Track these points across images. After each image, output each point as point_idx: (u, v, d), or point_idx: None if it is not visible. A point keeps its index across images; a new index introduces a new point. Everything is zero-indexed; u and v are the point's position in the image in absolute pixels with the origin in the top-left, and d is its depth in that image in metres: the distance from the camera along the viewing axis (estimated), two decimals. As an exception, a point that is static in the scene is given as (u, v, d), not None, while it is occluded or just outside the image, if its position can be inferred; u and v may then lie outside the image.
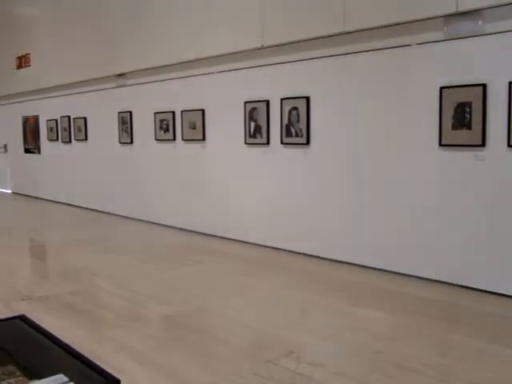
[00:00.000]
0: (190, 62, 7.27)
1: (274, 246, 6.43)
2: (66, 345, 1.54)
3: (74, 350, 1.48)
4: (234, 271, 5.60)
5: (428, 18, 4.76)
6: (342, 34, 5.40)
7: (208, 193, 7.25)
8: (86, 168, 10.00)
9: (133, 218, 8.77)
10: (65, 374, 1.29)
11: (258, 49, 6.27)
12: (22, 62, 11.75)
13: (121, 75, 8.74)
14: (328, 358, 3.33)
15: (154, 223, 8.31)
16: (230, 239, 7.01)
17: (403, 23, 4.93)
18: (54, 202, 11.15)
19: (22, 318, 1.71)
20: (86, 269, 5.81)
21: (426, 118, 4.86)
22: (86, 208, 10.04)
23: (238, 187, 6.81)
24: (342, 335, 3.71)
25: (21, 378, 1.48)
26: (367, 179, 5.39)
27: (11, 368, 1.53)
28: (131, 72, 8.49)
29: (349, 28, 5.31)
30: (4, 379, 1.47)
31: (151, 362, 3.28)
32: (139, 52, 8.14)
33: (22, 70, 11.85)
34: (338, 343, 3.58)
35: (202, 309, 4.38)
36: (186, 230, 7.69)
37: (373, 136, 5.30)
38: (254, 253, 6.37)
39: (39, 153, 11.73)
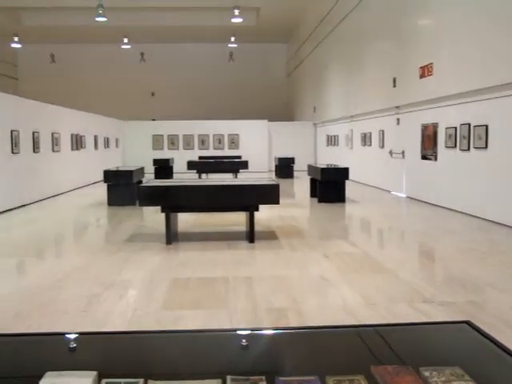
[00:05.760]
0: None
1: None
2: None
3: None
4: None
5: None
6: None
7: None
8: (483, 176, 9.75)
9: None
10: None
11: None
12: (425, 71, 12.16)
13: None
14: None
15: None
16: None
17: None
18: (447, 208, 11.21)
19: (468, 323, 1.76)
20: (482, 279, 5.67)
21: None
22: (479, 217, 9.79)
23: None
24: None
25: (470, 382, 1.51)
26: None
27: (459, 371, 1.58)
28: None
29: None
30: (453, 380, 1.53)
31: None
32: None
33: (424, 79, 12.26)
34: None
35: None
36: None
37: None
38: None
39: (435, 160, 11.97)
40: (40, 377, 1.53)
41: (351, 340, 1.97)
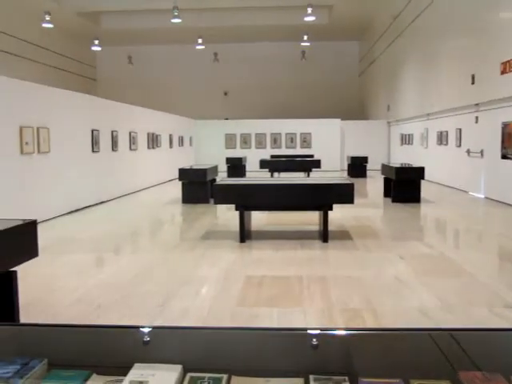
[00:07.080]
0: None
1: None
2: None
3: None
4: None
5: None
6: None
7: None
8: None
9: None
10: None
11: None
12: (507, 67, 11.67)
13: None
14: None
15: None
16: None
17: None
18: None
19: None
20: None
21: None
22: None
23: None
24: None
25: None
26: None
27: None
28: None
29: None
30: None
31: None
32: None
33: (506, 75, 11.77)
34: None
35: None
36: None
37: None
38: None
39: (518, 159, 11.48)
40: (127, 368, 1.58)
41: (429, 343, 1.92)
